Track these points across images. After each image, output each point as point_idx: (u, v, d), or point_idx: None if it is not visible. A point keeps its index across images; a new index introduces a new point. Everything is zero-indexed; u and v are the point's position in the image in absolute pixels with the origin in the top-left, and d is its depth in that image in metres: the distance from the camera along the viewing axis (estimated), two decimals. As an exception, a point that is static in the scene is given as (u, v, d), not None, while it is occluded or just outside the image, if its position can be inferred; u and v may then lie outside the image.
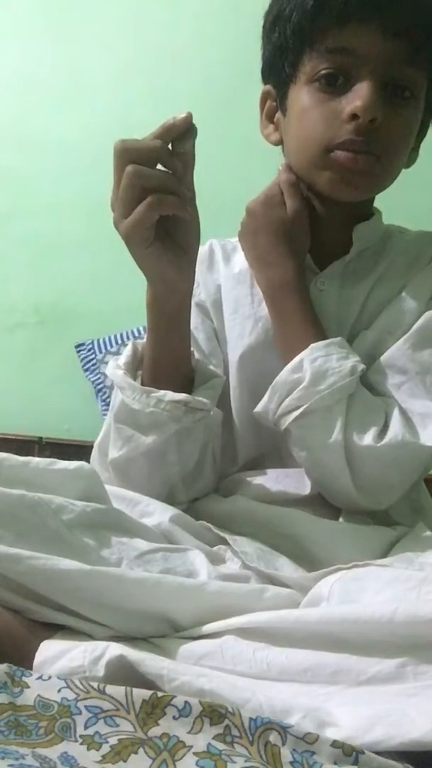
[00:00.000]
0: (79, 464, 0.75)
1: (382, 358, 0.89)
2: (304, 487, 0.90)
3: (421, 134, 0.91)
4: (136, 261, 0.79)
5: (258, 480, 0.92)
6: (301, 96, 0.85)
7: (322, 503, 0.89)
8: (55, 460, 0.74)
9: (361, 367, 0.86)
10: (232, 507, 0.88)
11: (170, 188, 0.73)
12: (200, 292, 0.99)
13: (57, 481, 0.73)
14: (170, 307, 0.83)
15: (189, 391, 0.85)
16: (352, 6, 0.77)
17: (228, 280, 0.99)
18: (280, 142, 0.94)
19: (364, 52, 0.79)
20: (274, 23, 0.87)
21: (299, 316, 0.90)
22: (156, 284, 0.81)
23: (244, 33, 1.00)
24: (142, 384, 0.85)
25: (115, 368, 0.86)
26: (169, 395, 0.82)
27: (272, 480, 0.92)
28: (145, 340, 0.87)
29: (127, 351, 0.89)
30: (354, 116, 0.80)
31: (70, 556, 0.65)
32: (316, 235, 0.93)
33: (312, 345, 0.86)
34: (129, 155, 0.72)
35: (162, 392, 0.82)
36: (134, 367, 0.88)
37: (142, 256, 0.77)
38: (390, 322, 0.91)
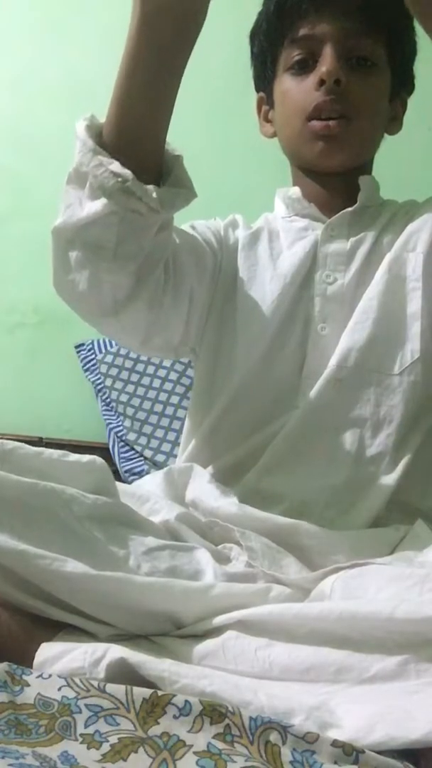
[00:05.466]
0: (91, 458, 0.76)
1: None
2: (334, 474, 0.88)
3: (396, 102, 1.00)
4: None
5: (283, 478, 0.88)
6: (282, 84, 0.97)
7: (349, 490, 0.87)
8: (68, 452, 0.75)
9: None
10: (240, 511, 0.85)
11: None
12: (219, 228, 1.01)
13: (69, 472, 0.73)
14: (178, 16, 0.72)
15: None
16: (306, 1, 0.91)
17: (245, 235, 1.00)
18: (274, 134, 1.02)
19: (323, 33, 0.91)
20: (252, 39, 1.01)
21: None
22: None
23: (244, 34, 1.02)
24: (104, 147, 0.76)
25: (81, 120, 0.79)
26: (115, 165, 0.74)
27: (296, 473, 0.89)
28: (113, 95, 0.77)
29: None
30: (322, 81, 0.90)
31: (78, 548, 0.65)
32: (322, 189, 0.99)
33: None
34: None
35: (109, 159, 0.74)
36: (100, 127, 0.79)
37: None
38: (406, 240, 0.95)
